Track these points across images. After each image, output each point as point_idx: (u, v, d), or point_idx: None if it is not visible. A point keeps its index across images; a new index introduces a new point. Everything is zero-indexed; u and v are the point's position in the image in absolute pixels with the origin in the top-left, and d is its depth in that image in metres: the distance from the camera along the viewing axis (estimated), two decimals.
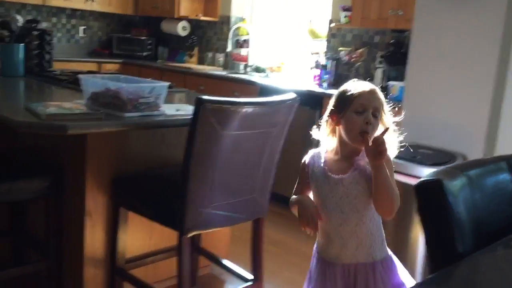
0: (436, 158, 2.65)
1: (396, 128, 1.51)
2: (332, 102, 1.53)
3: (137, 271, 2.26)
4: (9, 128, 2.35)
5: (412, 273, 2.65)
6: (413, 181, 2.47)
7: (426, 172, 2.06)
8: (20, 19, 3.17)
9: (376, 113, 1.45)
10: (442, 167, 1.39)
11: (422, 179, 1.29)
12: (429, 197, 1.26)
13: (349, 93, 1.47)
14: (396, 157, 2.74)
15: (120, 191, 2.10)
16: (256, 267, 2.13)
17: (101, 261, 2.16)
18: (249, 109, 1.80)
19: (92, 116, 1.85)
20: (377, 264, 1.48)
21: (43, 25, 5.09)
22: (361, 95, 1.45)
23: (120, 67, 5.25)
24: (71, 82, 2.73)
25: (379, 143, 1.37)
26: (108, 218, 2.15)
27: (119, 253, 2.14)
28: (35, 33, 3.03)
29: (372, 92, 1.47)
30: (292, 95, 2.00)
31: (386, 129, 1.44)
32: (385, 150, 1.37)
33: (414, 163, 2.61)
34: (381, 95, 1.49)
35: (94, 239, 2.13)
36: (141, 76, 4.98)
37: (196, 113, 1.71)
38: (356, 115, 1.44)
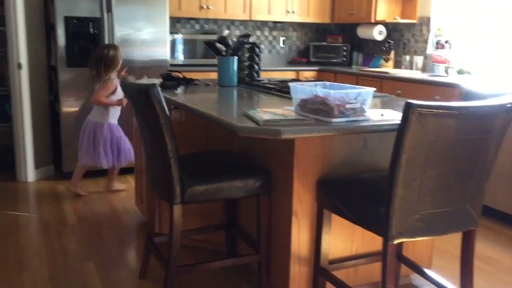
0: None
1: None
2: None
3: (339, 272, 2.32)
4: (226, 132, 2.64)
5: None
6: None
7: None
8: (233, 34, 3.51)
9: None
10: None
11: None
12: None
13: None
14: None
15: (324, 194, 2.18)
16: (466, 283, 2.00)
17: (306, 260, 2.27)
18: (462, 114, 1.70)
19: (303, 121, 1.96)
20: None
21: (250, 38, 5.59)
22: None
23: (317, 74, 5.43)
24: (278, 90, 2.93)
25: None
26: (313, 219, 2.25)
27: (322, 253, 2.22)
28: (246, 46, 3.32)
29: None
30: (511, 99, 1.83)
31: None
32: None
33: None
34: None
35: (299, 238, 2.25)
36: (337, 82, 5.08)
37: (405, 118, 1.68)
38: None
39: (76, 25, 4.21)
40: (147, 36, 4.48)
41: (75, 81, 4.28)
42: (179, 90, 2.89)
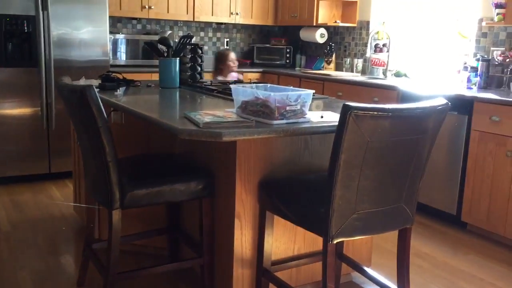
0: None
1: None
2: None
3: (282, 273, 2.33)
4: (168, 135, 2.59)
5: None
6: None
7: None
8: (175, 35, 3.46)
9: None
10: None
11: None
12: None
13: None
14: None
15: (266, 195, 2.19)
16: (402, 279, 2.06)
17: (248, 262, 2.27)
18: (397, 116, 1.76)
19: (244, 123, 1.96)
20: None
21: (193, 39, 5.53)
22: None
23: (261, 76, 5.47)
24: (220, 91, 2.92)
25: None
26: (255, 221, 2.25)
27: (265, 255, 2.23)
28: (189, 47, 3.29)
29: None
30: (443, 101, 1.91)
31: None
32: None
33: None
34: None
35: (242, 240, 2.24)
36: (280, 84, 5.13)
37: (342, 120, 1.71)
38: None
39: (9, 23, 4.01)
40: (86, 36, 4.33)
41: (10, 81, 4.08)
42: (119, 91, 2.81)
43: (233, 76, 4.44)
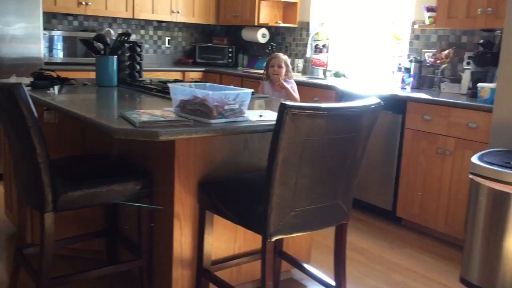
0: None
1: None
2: None
3: (222, 273, 2.33)
4: (105, 135, 2.53)
5: (507, 282, 2.50)
6: (507, 189, 2.33)
7: None
8: (113, 33, 3.38)
9: None
10: None
11: None
12: None
13: None
14: (489, 163, 2.61)
15: (205, 195, 2.18)
16: (339, 274, 2.12)
17: (188, 262, 2.25)
18: (332, 115, 1.80)
19: (182, 123, 1.94)
20: None
21: (132, 37, 5.42)
22: None
23: (203, 75, 5.44)
24: (160, 90, 2.87)
25: None
26: (195, 221, 2.24)
27: (205, 255, 2.21)
28: (127, 45, 3.22)
29: None
30: (376, 100, 1.98)
31: None
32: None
33: (508, 169, 2.46)
34: None
35: (182, 240, 2.22)
36: (222, 83, 5.13)
37: (279, 119, 1.73)
38: None
39: None
40: (18, 32, 4.13)
41: None
42: (52, 90, 2.70)
43: (280, 83, 3.78)
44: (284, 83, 3.77)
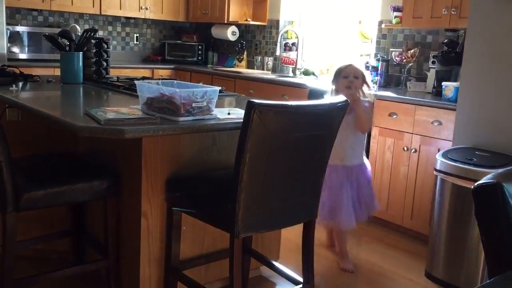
0: (493, 161, 2.56)
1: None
2: None
3: (191, 271, 2.32)
4: (70, 133, 2.48)
5: (471, 276, 2.57)
6: (469, 184, 2.39)
7: (483, 175, 1.99)
8: (79, 29, 3.31)
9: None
10: (500, 170, 1.34)
11: (480, 182, 1.26)
12: (488, 200, 1.22)
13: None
14: (452, 160, 2.67)
15: (173, 193, 2.16)
16: (307, 270, 2.13)
17: (156, 261, 2.23)
18: (299, 112, 1.81)
19: (148, 120, 1.91)
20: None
21: (100, 33, 5.33)
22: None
23: (172, 72, 5.39)
24: (127, 88, 2.83)
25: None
26: (163, 220, 2.22)
27: (173, 254, 2.20)
28: (93, 41, 3.16)
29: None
30: (342, 98, 2.00)
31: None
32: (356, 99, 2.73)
33: (471, 166, 2.53)
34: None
35: (149, 239, 2.19)
36: (192, 80, 5.10)
37: (247, 116, 1.73)
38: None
39: None
40: None
41: None
42: (15, 87, 2.63)
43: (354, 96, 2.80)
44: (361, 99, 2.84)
